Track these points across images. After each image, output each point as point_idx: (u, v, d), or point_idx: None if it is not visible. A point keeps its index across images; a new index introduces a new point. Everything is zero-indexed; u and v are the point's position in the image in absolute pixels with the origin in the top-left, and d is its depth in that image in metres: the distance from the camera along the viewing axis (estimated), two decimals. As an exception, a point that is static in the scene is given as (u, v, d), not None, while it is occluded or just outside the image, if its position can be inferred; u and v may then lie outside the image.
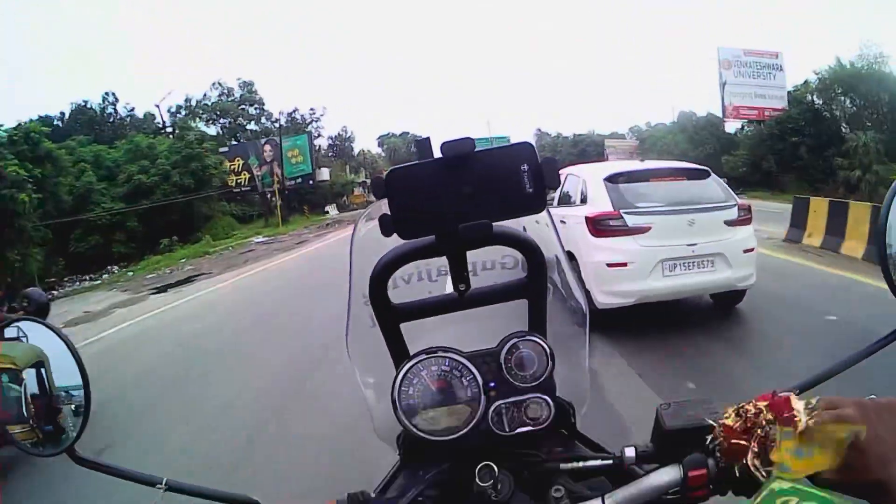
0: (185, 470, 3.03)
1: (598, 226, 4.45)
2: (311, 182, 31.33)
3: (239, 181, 30.20)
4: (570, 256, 4.49)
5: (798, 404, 0.49)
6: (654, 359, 4.04)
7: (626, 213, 4.42)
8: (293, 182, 30.93)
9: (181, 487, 0.63)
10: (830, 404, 0.51)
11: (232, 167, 29.99)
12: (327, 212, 33.71)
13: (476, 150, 0.52)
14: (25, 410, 0.77)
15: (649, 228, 4.36)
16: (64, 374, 0.76)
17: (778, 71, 24.24)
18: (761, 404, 0.52)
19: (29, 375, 0.76)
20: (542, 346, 0.63)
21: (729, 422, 0.52)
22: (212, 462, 3.24)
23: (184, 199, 23.75)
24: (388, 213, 0.52)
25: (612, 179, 4.64)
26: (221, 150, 30.02)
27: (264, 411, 3.98)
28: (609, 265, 4.35)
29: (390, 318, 0.63)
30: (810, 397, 0.57)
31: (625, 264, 4.32)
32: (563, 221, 4.80)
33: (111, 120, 33.66)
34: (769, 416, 0.49)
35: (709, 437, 0.54)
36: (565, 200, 5.23)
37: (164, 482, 0.63)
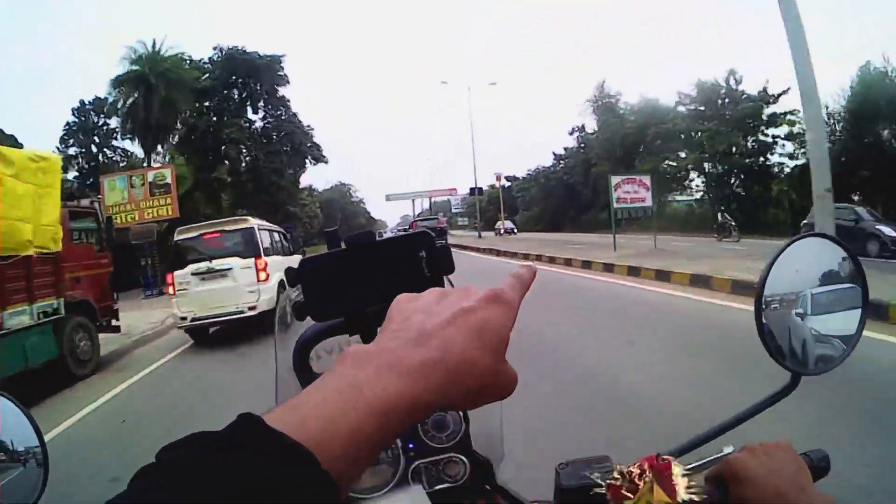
0: None
1: None
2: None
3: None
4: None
5: (678, 469, 0.53)
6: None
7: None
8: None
9: None
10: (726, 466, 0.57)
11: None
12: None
13: (377, 239, 0.57)
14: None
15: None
16: (21, 437, 0.81)
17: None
18: (645, 466, 0.57)
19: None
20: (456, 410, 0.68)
21: (615, 483, 0.56)
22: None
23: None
24: (301, 299, 0.57)
25: None
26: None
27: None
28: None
29: None
30: (715, 455, 0.61)
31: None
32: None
33: None
34: (650, 479, 0.54)
35: (601, 497, 0.58)
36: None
37: None
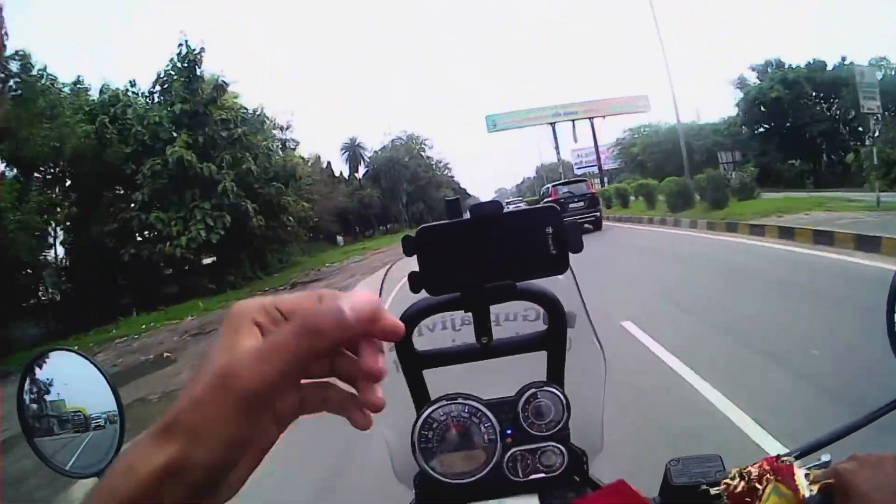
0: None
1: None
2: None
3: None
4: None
5: (800, 473, 0.51)
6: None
7: None
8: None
9: None
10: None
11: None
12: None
13: (504, 211, 0.54)
14: (61, 432, 0.81)
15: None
16: (98, 399, 0.81)
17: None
18: (766, 468, 0.55)
19: (69, 398, 0.80)
20: (559, 397, 0.66)
21: (733, 483, 0.54)
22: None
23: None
24: (417, 269, 0.54)
25: None
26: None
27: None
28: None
29: (414, 364, 0.66)
30: (812, 463, 0.59)
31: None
32: None
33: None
34: (772, 481, 0.52)
35: (713, 496, 0.56)
36: None
37: None
